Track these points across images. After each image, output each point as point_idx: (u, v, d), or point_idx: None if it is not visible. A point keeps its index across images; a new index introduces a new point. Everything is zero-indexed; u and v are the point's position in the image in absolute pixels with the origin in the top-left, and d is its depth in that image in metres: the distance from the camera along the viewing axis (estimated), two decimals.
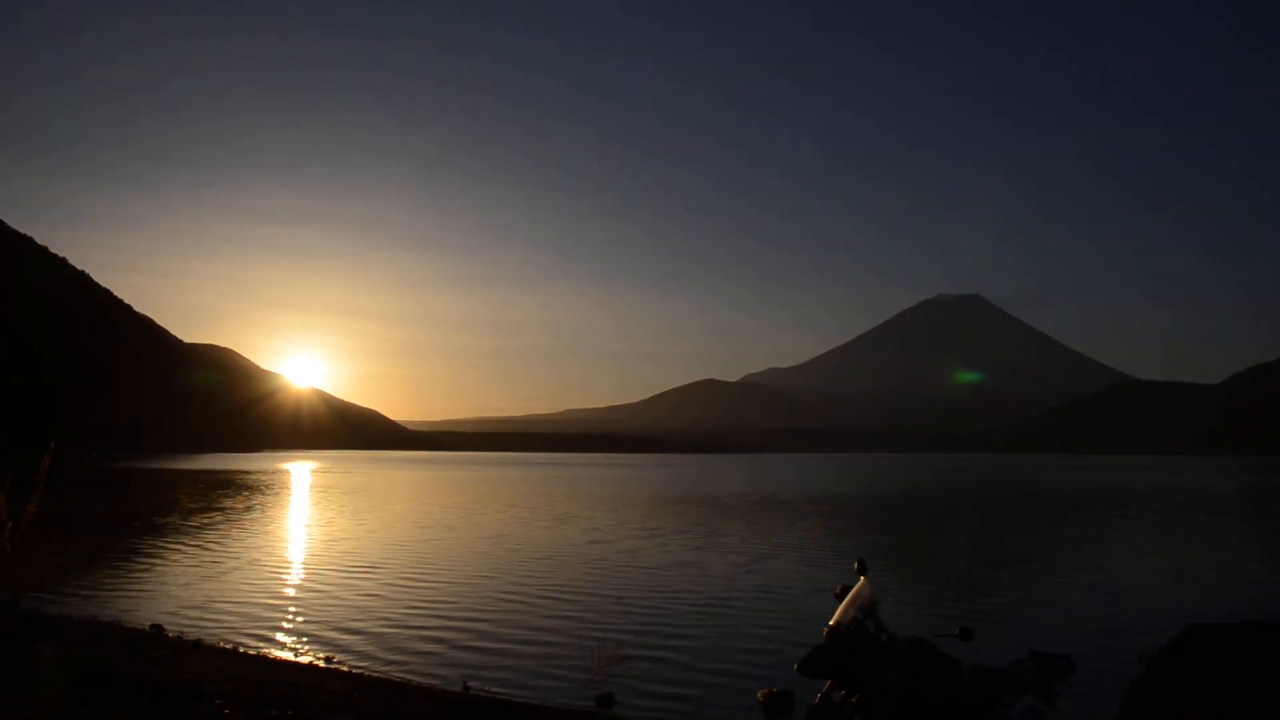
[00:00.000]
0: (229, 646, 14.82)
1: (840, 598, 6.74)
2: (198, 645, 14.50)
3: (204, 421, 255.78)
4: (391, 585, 21.60)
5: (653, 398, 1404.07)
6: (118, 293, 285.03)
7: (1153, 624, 16.21)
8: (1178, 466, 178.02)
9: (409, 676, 13.13)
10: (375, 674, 13.20)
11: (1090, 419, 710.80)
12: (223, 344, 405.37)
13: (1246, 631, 3.54)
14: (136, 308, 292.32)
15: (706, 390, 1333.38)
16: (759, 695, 6.35)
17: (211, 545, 29.79)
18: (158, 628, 16.03)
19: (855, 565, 7.05)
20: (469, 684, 12.70)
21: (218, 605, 18.88)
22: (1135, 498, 64.66)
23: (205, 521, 38.19)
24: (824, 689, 6.36)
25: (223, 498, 54.95)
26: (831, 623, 6.46)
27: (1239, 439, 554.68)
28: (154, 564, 25.18)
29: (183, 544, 29.90)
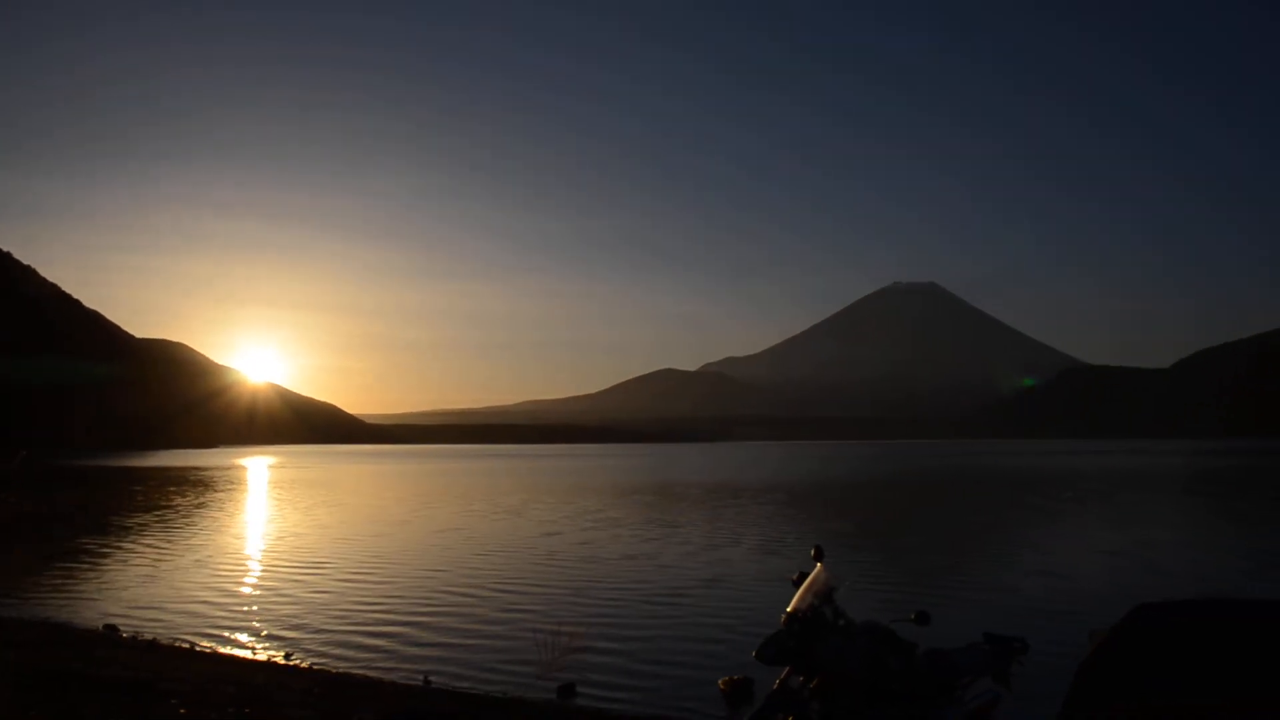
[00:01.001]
0: (185, 645, 14.63)
1: (797, 584, 6.77)
2: (153, 645, 14.29)
3: (155, 418, 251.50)
4: (347, 581, 21.43)
5: (611, 388, 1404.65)
6: (65, 287, 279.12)
7: (1103, 604, 16.60)
8: (1127, 449, 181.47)
9: (369, 672, 13.02)
10: (335, 670, 13.10)
11: (1042, 404, 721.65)
12: (175, 339, 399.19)
13: (1194, 608, 3.61)
14: (86, 303, 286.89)
15: (665, 380, 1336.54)
16: (720, 683, 6.35)
17: (164, 544, 29.34)
18: (111, 628, 15.81)
19: (812, 552, 7.09)
20: (430, 678, 12.64)
21: (172, 604, 18.64)
22: (1086, 480, 65.85)
23: (156, 520, 37.57)
24: (782, 675, 6.39)
25: (174, 495, 54.09)
26: (789, 609, 6.49)
27: (1186, 422, 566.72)
28: (104, 564, 24.74)
29: (133, 543, 29.41)
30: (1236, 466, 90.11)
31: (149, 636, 15.10)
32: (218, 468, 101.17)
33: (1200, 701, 3.15)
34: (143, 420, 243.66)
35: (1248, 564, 23.58)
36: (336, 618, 17.04)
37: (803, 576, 6.81)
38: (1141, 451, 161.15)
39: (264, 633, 15.88)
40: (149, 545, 28.83)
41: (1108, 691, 3.25)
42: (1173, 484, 63.10)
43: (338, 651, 14.41)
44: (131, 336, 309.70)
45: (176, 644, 14.68)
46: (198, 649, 14.42)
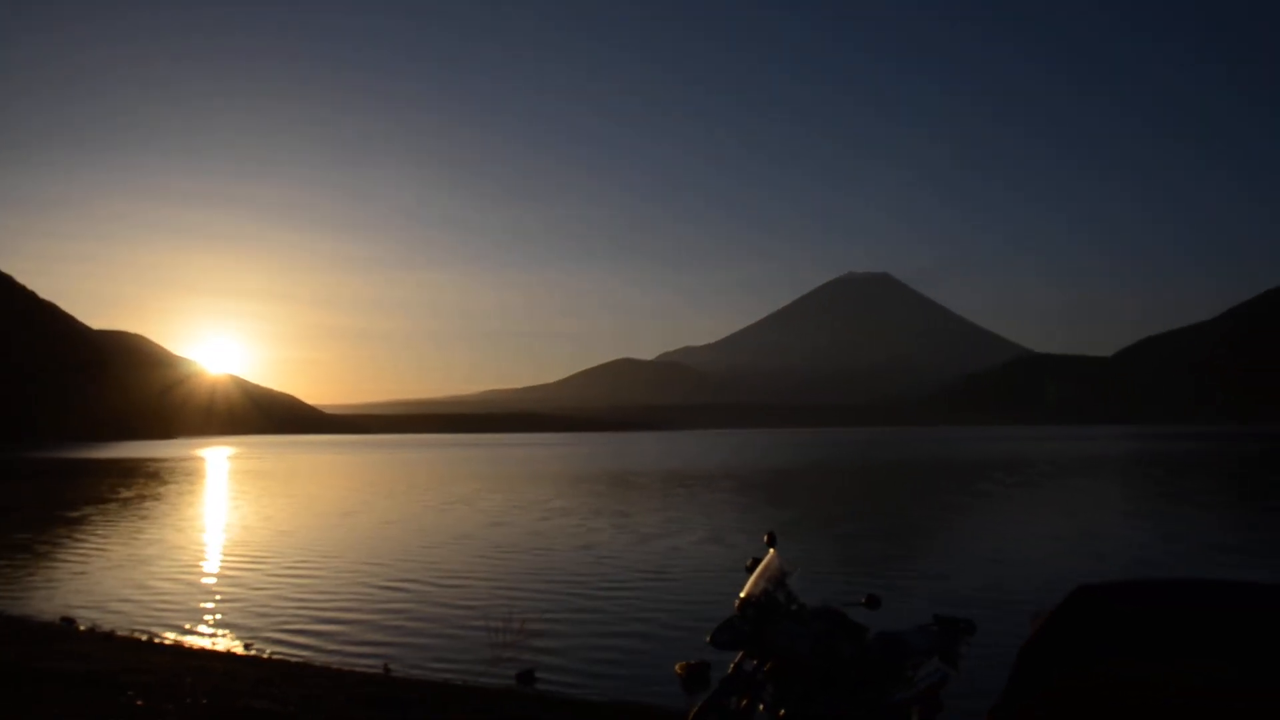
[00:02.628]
0: (143, 637, 14.52)
1: (751, 570, 6.88)
2: (110, 637, 14.17)
3: (113, 410, 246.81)
4: (304, 571, 21.39)
5: (570, 377, 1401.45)
6: (20, 278, 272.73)
7: (1047, 585, 17.10)
8: (1073, 435, 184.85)
9: (329, 661, 13.00)
10: (295, 659, 13.07)
11: (992, 391, 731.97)
12: (132, 330, 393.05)
13: (1133, 589, 3.75)
14: (41, 294, 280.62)
15: (623, 369, 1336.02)
16: (676, 668, 6.46)
17: (120, 536, 28.99)
18: (69, 620, 15.69)
19: (765, 538, 7.19)
20: (389, 666, 12.66)
21: (130, 596, 18.49)
22: (1033, 466, 67.04)
23: (113, 512, 37.03)
24: (736, 659, 6.50)
25: (131, 487, 53.27)
26: (742, 594, 6.61)
27: (1129, 407, 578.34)
28: (61, 557, 24.43)
29: (90, 535, 29.03)
30: (1176, 451, 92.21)
31: (106, 628, 14.99)
32: (176, 459, 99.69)
33: (1134, 669, 3.30)
34: (100, 412, 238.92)
35: (1185, 546, 24.22)
36: (294, 608, 17.01)
37: (756, 563, 6.93)
38: (1085, 437, 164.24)
39: (222, 623, 15.83)
40: (105, 538, 28.45)
41: (1049, 667, 3.39)
42: (1114, 469, 64.45)
43: (297, 641, 14.41)
44: (88, 328, 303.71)
45: (134, 635, 14.57)
46: (156, 640, 14.32)
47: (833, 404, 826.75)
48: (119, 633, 14.68)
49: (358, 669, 12.59)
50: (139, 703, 9.17)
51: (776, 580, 6.67)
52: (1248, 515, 32.72)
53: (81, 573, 21.50)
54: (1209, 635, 3.35)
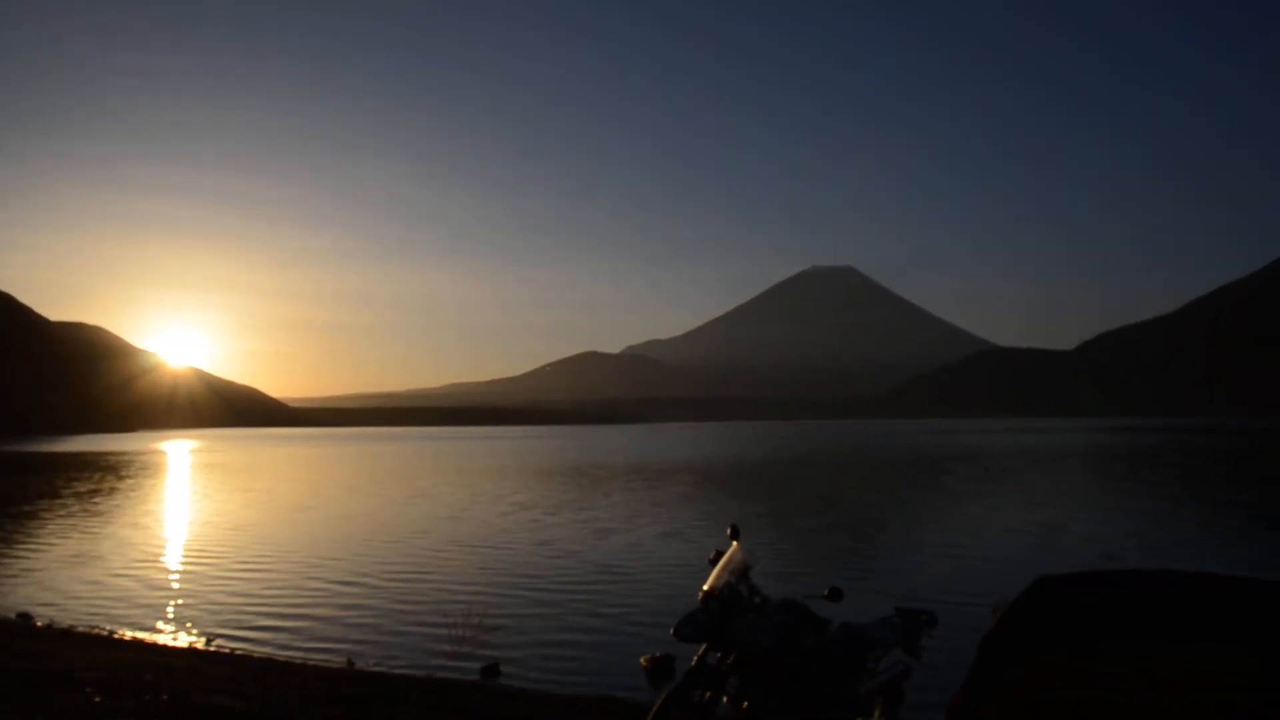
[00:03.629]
0: (102, 633, 14.32)
1: (714, 563, 6.90)
2: (68, 633, 13.96)
3: (71, 403, 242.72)
4: (264, 567, 21.19)
5: (535, 370, 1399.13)
6: None
7: (1008, 576, 17.30)
8: (1035, 428, 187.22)
9: (292, 656, 12.87)
10: (257, 655, 12.93)
11: (956, 384, 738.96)
12: (92, 322, 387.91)
13: (1092, 580, 3.80)
14: None
15: (588, 362, 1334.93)
16: (642, 660, 6.44)
17: (78, 530, 28.55)
18: (25, 616, 15.47)
19: (728, 531, 7.21)
20: (353, 660, 12.56)
21: (88, 592, 18.24)
22: (995, 459, 67.82)
23: (70, 506, 36.43)
24: (700, 652, 6.50)
25: (90, 481, 52.45)
26: (706, 587, 6.62)
27: (1090, 400, 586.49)
28: (16, 552, 24.02)
29: (46, 530, 28.59)
30: (1136, 444, 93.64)
31: (64, 625, 14.76)
32: (136, 453, 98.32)
33: (1093, 658, 3.33)
34: (59, 405, 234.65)
35: (1144, 538, 24.59)
36: (255, 604, 16.85)
37: (719, 555, 6.95)
38: (1048, 430, 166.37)
39: (182, 619, 15.66)
40: (62, 533, 28.01)
41: (1009, 656, 3.41)
42: (1076, 462, 65.35)
43: (258, 636, 14.28)
44: (46, 320, 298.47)
45: (93, 632, 14.35)
46: (115, 636, 14.11)
47: (797, 397, 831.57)
48: (77, 629, 14.47)
49: (321, 664, 12.50)
50: (97, 700, 9.01)
51: (739, 573, 6.69)
52: (1205, 507, 33.27)
53: (38, 568, 21.14)
54: (1167, 625, 3.39)
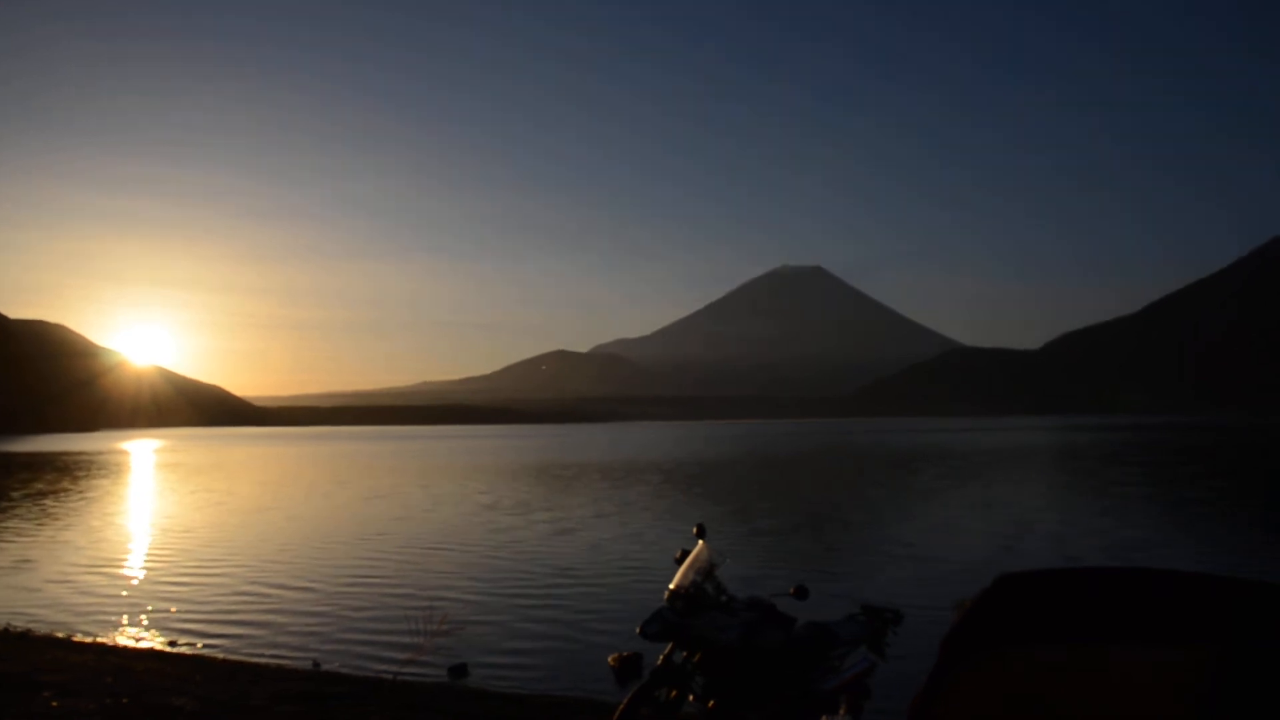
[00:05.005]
0: (62, 635, 14.08)
1: (680, 562, 6.91)
2: (25, 636, 13.75)
3: (33, 401, 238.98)
4: (227, 568, 20.93)
5: (505, 368, 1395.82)
6: None
7: (972, 574, 17.46)
8: (1001, 426, 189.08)
9: (256, 658, 12.75)
10: (222, 656, 12.79)
11: (923, 383, 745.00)
12: (53, 320, 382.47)
13: (1052, 577, 3.83)
14: None
15: (557, 360, 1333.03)
16: (610, 659, 6.44)
17: (36, 531, 28.17)
18: None
19: (694, 530, 7.22)
20: (317, 661, 12.49)
21: (47, 594, 17.97)
22: (961, 457, 68.39)
23: (28, 507, 35.86)
24: (666, 650, 6.51)
25: (49, 481, 51.67)
26: (671, 586, 6.62)
27: (1055, 399, 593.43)
28: None
29: (2, 531, 28.02)
30: (1098, 442, 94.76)
31: (21, 628, 14.51)
32: (97, 452, 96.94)
33: (1052, 654, 3.35)
34: (19, 404, 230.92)
35: (1106, 536, 24.86)
36: (218, 605, 16.69)
37: (685, 554, 6.96)
38: (1014, 428, 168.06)
39: (145, 621, 15.47)
40: (20, 533, 27.60)
41: (970, 652, 3.42)
42: (1039, 460, 66.02)
43: (221, 639, 14.12)
44: (6, 317, 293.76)
45: (52, 634, 14.13)
46: (75, 639, 13.88)
47: (766, 396, 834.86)
48: (35, 632, 14.24)
49: (286, 665, 12.39)
50: (54, 704, 8.90)
51: (705, 571, 6.72)
52: (1168, 505, 33.69)
53: None
54: (1127, 622, 3.41)
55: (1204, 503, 33.71)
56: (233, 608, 16.43)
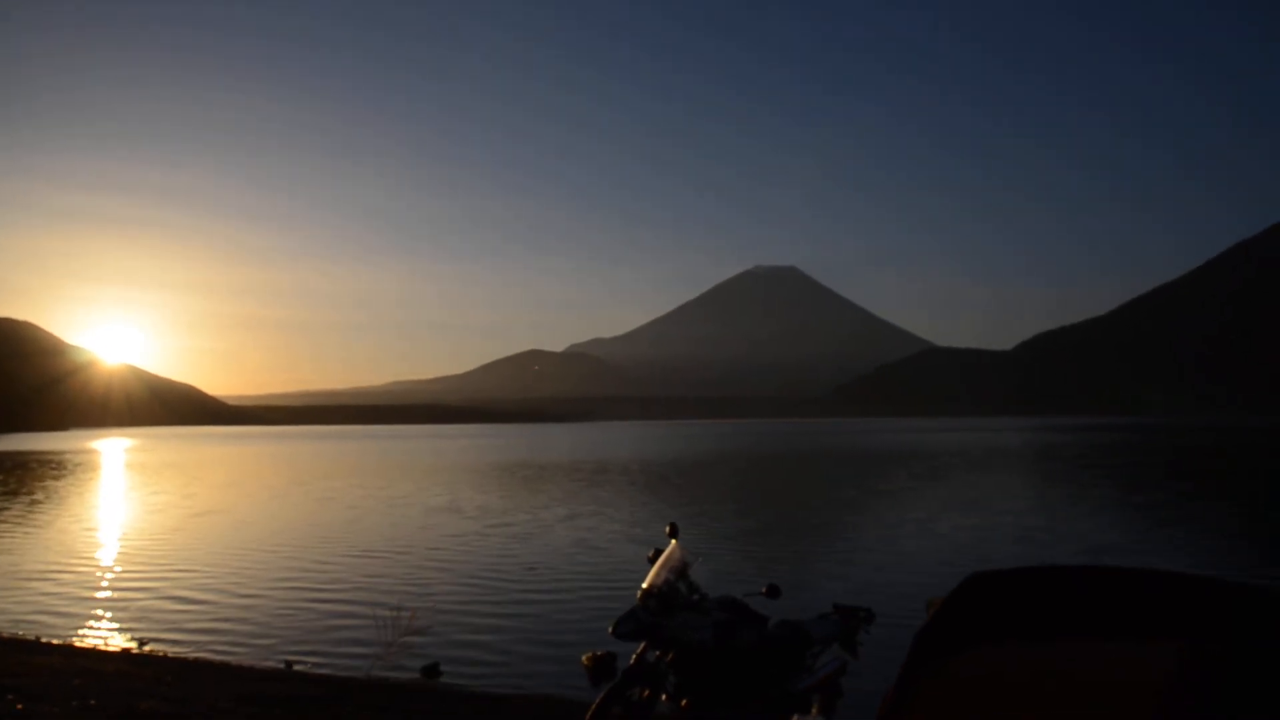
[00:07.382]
0: (29, 638, 13.85)
1: (652, 561, 6.89)
2: None
3: (0, 400, 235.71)
4: (195, 569, 20.68)
5: (479, 368, 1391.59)
6: None
7: (945, 573, 17.61)
8: (974, 427, 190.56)
9: (228, 659, 12.64)
10: (191, 658, 12.65)
11: (897, 383, 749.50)
12: (22, 318, 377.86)
13: (1024, 576, 3.84)
14: None
15: (532, 360, 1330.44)
16: (583, 659, 6.41)
17: (1, 532, 27.60)
18: None
19: (667, 529, 7.20)
20: (289, 661, 12.38)
21: (12, 595, 17.72)
22: (934, 457, 68.83)
23: None
24: (639, 650, 6.48)
25: (15, 480, 50.94)
26: (644, 585, 6.60)
27: (1028, 399, 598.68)
28: None
29: None
30: (1072, 443, 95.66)
31: None
32: (65, 452, 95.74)
33: (1024, 652, 3.35)
34: None
35: (1078, 535, 25.10)
36: (187, 606, 16.54)
37: (658, 553, 6.94)
38: (986, 429, 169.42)
39: (114, 622, 15.32)
40: None
41: (942, 650, 3.41)
42: (1013, 461, 66.54)
43: (191, 639, 14.00)
44: None
45: (18, 636, 13.91)
46: (42, 642, 13.67)
47: (740, 396, 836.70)
48: (2, 634, 14.01)
49: (257, 666, 12.27)
50: (19, 706, 8.74)
51: (678, 571, 6.70)
52: (1141, 505, 33.99)
53: None
54: (1098, 620, 3.41)
55: (1174, 502, 34.07)
56: (201, 610, 16.24)
